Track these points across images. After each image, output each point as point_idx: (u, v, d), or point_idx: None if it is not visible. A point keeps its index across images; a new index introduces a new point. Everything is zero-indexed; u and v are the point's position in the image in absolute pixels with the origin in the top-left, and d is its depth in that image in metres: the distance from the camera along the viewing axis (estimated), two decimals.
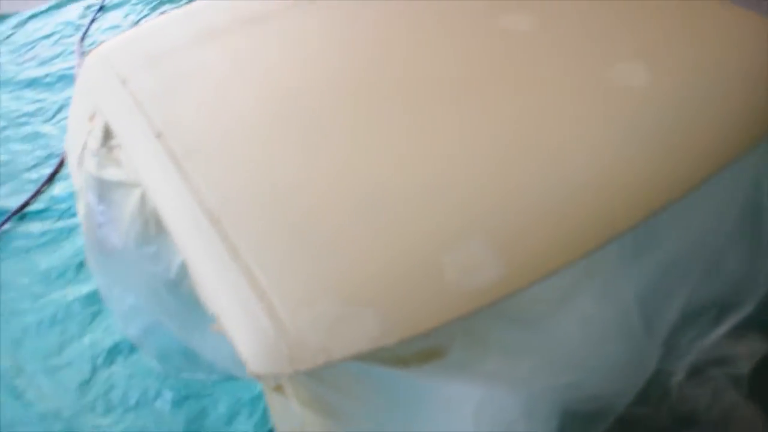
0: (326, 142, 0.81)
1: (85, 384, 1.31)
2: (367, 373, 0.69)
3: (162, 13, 2.30)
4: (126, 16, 2.40)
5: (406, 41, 0.94)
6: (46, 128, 1.97)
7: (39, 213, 1.71)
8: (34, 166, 1.85)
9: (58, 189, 1.77)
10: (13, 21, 2.46)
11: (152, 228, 0.92)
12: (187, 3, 1.16)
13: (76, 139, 1.07)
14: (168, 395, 1.28)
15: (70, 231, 1.64)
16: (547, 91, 0.83)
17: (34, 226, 1.67)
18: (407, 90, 0.85)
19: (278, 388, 0.71)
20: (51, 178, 1.80)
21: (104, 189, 0.99)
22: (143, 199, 0.91)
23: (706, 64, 0.85)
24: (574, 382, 0.83)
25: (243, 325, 0.67)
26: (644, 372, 0.93)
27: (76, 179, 1.09)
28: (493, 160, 0.76)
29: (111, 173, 0.97)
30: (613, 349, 0.86)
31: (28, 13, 2.49)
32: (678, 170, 0.75)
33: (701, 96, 0.81)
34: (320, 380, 0.68)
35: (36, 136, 1.95)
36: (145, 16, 2.38)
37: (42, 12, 2.48)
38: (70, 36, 2.34)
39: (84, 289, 1.48)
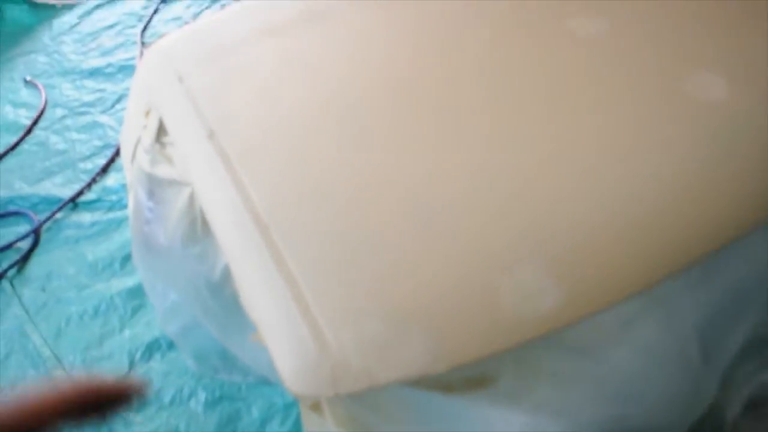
0: (386, 150, 0.76)
1: (122, 378, 1.29)
2: (409, 397, 0.65)
3: (223, 5, 2.30)
4: (188, 7, 2.41)
5: (471, 45, 0.88)
6: (104, 118, 1.98)
7: (91, 203, 1.71)
8: (90, 156, 1.85)
9: (111, 180, 1.77)
10: (78, 11, 2.48)
11: (199, 228, 0.90)
12: None
13: (131, 133, 1.05)
14: (202, 395, 1.26)
15: (120, 223, 1.64)
16: (619, 106, 0.76)
17: (85, 217, 1.68)
18: (472, 97, 0.79)
19: (315, 407, 0.66)
20: (105, 169, 1.80)
21: (154, 186, 0.98)
22: (192, 198, 0.89)
23: None
24: (625, 414, 0.77)
25: (284, 340, 0.63)
26: (700, 405, 0.86)
27: (128, 173, 1.08)
28: (559, 179, 0.70)
29: (162, 170, 0.94)
30: (669, 380, 0.80)
31: (94, 3, 2.51)
32: (762, 195, 0.68)
33: None
34: (360, 402, 0.64)
35: (94, 125, 1.96)
36: (206, 7, 2.38)
37: (107, 2, 2.50)
38: (133, 27, 2.35)
39: (128, 282, 1.48)
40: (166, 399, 1.27)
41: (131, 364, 1.33)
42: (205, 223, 0.87)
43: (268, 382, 1.18)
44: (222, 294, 0.93)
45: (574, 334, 0.66)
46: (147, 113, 1.00)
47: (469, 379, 0.64)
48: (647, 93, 0.76)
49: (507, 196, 0.69)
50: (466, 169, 0.72)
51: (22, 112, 2.05)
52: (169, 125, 0.92)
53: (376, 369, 0.59)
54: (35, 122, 2.00)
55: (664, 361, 0.78)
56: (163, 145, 0.95)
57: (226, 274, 0.87)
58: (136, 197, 1.04)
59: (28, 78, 2.19)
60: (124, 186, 1.67)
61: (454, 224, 0.67)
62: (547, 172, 0.71)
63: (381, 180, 0.72)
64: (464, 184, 0.70)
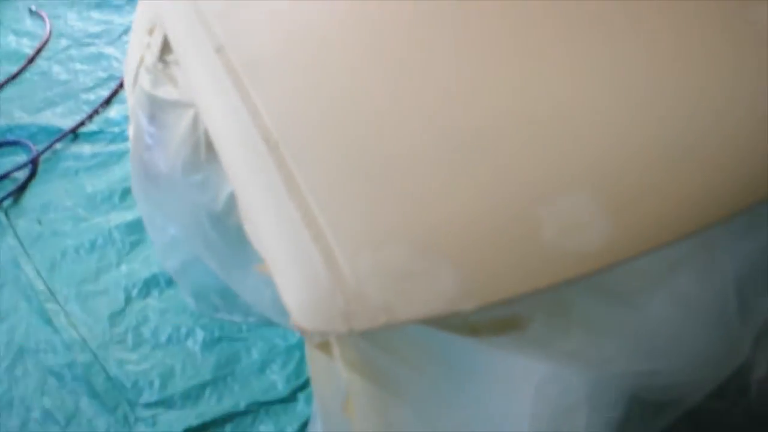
0: (410, 61, 0.67)
1: (117, 315, 1.27)
2: (429, 338, 0.58)
3: None
4: None
5: None
6: (110, 50, 1.91)
7: (92, 135, 1.65)
8: (93, 87, 1.79)
9: (114, 112, 1.72)
10: None
11: (202, 154, 0.84)
12: None
13: (134, 55, 0.99)
14: (200, 335, 1.22)
15: (121, 155, 1.59)
16: (678, 26, 0.66)
17: (85, 148, 1.62)
18: (511, 7, 0.70)
19: (323, 346, 0.59)
20: (108, 100, 1.74)
21: (156, 108, 0.92)
22: (196, 121, 0.83)
23: None
24: (655, 369, 0.72)
25: (292, 269, 0.55)
26: (731, 365, 0.81)
27: (130, 98, 1.02)
28: (615, 100, 0.61)
29: (165, 91, 0.89)
30: (705, 336, 0.74)
31: None
32: None
33: None
34: (374, 342, 0.57)
35: (99, 57, 1.89)
36: None
37: None
38: None
39: (127, 216, 1.43)
40: (162, 338, 1.23)
41: (127, 301, 1.29)
42: (208, 148, 0.81)
43: (269, 323, 1.13)
44: (224, 226, 0.88)
45: (612, 279, 0.59)
46: (151, 31, 0.93)
47: (497, 321, 0.57)
48: (708, 15, 0.67)
49: (553, 118, 0.60)
50: (506, 86, 0.64)
51: (25, 41, 1.99)
52: (174, 42, 0.85)
53: (397, 304, 0.51)
54: (38, 52, 1.94)
55: (701, 315, 0.71)
56: (166, 64, 0.89)
57: (230, 205, 0.83)
58: (136, 122, 0.98)
59: (33, 8, 2.12)
60: (127, 118, 1.61)
61: (492, 146, 0.59)
62: (602, 89, 0.63)
63: (407, 96, 0.64)
64: (504, 102, 0.62)
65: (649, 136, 0.59)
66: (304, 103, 0.66)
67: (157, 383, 1.16)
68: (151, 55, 0.91)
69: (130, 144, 1.05)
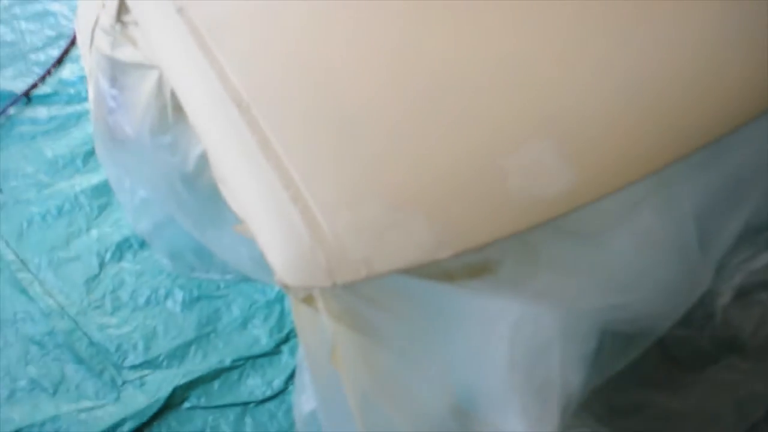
0: (378, 16, 0.70)
1: (92, 280, 1.29)
2: (409, 287, 0.62)
3: None
4: None
5: None
6: (56, 6, 1.85)
7: (46, 97, 1.63)
8: (42, 47, 1.75)
9: (67, 72, 1.68)
10: None
11: (169, 115, 0.85)
12: None
13: (88, 15, 0.98)
14: (179, 295, 1.25)
15: (80, 117, 1.57)
16: None
17: (41, 111, 1.60)
18: None
19: (308, 300, 0.63)
20: (60, 60, 1.71)
21: (117, 71, 0.92)
22: (160, 82, 0.84)
23: None
24: (623, 302, 0.78)
25: (274, 230, 0.59)
26: (695, 294, 0.87)
27: (87, 61, 1.02)
28: (574, 49, 0.65)
29: (125, 53, 0.89)
30: (667, 268, 0.80)
31: None
32: None
33: None
34: (356, 293, 0.61)
35: (45, 14, 1.83)
36: None
37: None
38: None
39: (93, 179, 1.43)
40: (141, 300, 1.25)
41: (101, 266, 1.31)
42: (176, 109, 0.83)
43: (247, 279, 1.18)
44: (197, 186, 0.90)
45: (576, 220, 0.64)
46: None
47: (470, 266, 0.62)
48: None
49: (514, 70, 0.65)
50: (470, 41, 0.67)
51: None
52: (131, 2, 0.85)
53: (376, 257, 0.56)
54: None
55: (662, 248, 0.77)
56: (124, 24, 0.89)
57: (201, 165, 0.85)
58: (96, 85, 0.99)
59: None
60: (82, 78, 1.59)
61: (458, 100, 0.63)
62: (560, 37, 0.67)
63: (375, 51, 0.68)
64: (469, 57, 0.66)
65: (605, 81, 0.63)
66: (272, 63, 0.69)
67: (140, 345, 1.19)
68: (108, 17, 0.91)
69: (91, 107, 1.06)
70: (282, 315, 1.20)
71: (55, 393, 1.15)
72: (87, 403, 1.15)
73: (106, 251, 1.32)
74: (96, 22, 0.94)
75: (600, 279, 0.73)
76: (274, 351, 1.18)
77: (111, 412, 1.13)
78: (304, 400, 0.90)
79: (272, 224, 0.60)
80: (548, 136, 0.61)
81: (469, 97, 0.63)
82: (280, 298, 1.22)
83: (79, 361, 1.18)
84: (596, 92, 0.63)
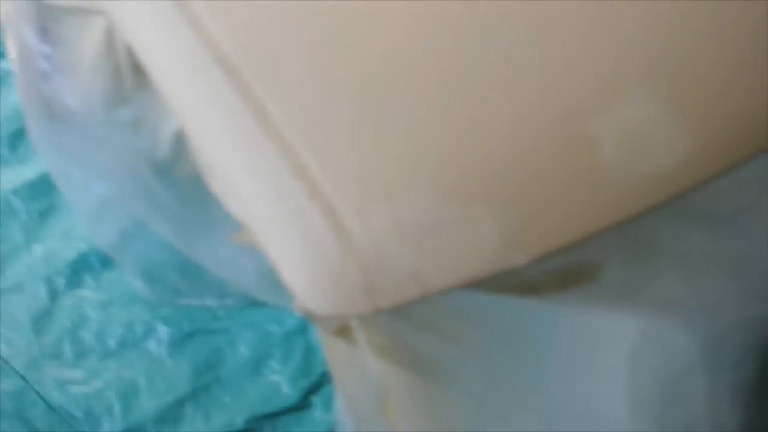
0: None
1: (43, 317, 1.33)
2: (477, 306, 0.68)
3: None
4: None
5: None
6: None
7: None
8: None
9: None
10: None
11: (128, 80, 0.91)
12: None
13: None
14: (164, 332, 1.31)
15: None
16: None
17: None
18: None
19: (343, 332, 0.69)
20: None
21: (47, 17, 0.97)
22: (111, 33, 0.89)
23: None
24: None
25: (287, 237, 0.64)
26: None
27: (2, 5, 1.07)
28: None
29: None
30: None
31: None
32: None
33: None
34: (408, 319, 0.67)
35: None
36: None
37: None
38: None
39: (26, 173, 1.49)
40: (112, 342, 1.32)
41: (52, 296, 1.36)
42: (136, 72, 0.87)
43: (255, 303, 1.22)
44: (175, 178, 0.95)
45: (706, 198, 0.68)
46: None
47: (560, 273, 0.66)
48: None
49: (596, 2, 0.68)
50: None
51: None
52: None
53: (428, 268, 0.60)
54: None
55: None
56: None
57: (179, 148, 0.90)
58: (20, 40, 1.04)
59: None
60: None
61: (524, 41, 0.67)
62: None
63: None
64: None
65: (725, 16, 0.67)
66: (270, 10, 0.72)
67: (117, 407, 1.25)
68: None
69: (14, 70, 1.10)
70: (308, 352, 1.26)
71: None
72: None
73: (58, 275, 1.37)
74: None
75: (751, 278, 0.76)
76: (302, 404, 1.23)
77: None
78: None
79: (285, 230, 0.64)
80: (650, 87, 0.64)
81: (539, 37, 0.67)
82: (303, 328, 1.27)
83: None
84: (713, 21, 0.67)
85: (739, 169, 0.65)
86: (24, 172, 1.50)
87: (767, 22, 0.67)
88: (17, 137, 1.52)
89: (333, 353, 0.74)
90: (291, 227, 0.64)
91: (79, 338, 1.33)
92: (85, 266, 1.40)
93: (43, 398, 1.27)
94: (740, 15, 0.67)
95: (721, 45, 0.66)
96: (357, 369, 0.72)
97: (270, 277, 0.66)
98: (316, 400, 1.24)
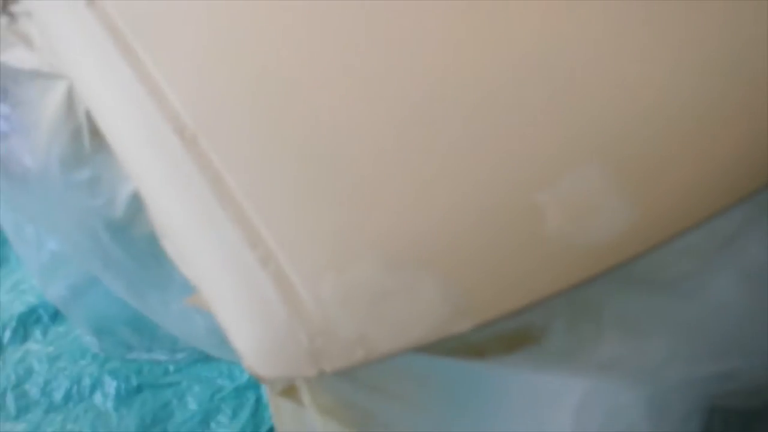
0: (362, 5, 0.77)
1: None
2: (423, 367, 0.69)
3: None
4: None
5: None
6: None
7: None
8: None
9: None
10: None
11: (86, 142, 0.92)
12: None
13: None
14: (111, 386, 1.30)
15: None
16: None
17: None
18: None
19: (289, 392, 0.71)
20: None
21: (7, 80, 0.99)
22: (71, 97, 0.90)
23: None
24: (728, 369, 0.83)
25: (238, 303, 0.66)
26: None
27: None
28: (623, 45, 0.72)
29: (17, 56, 0.95)
30: None
31: None
32: None
33: None
34: (353, 381, 0.68)
35: None
36: None
37: None
38: None
39: None
40: (58, 395, 1.30)
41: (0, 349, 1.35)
42: (95, 134, 0.88)
43: (206, 358, 1.24)
44: (129, 237, 0.97)
45: (650, 264, 0.69)
46: None
47: (504, 337, 0.67)
48: None
49: (547, 69, 0.71)
50: (488, 31, 0.74)
51: None
52: None
53: (375, 333, 0.62)
54: None
55: None
56: (13, 17, 0.96)
57: (134, 209, 0.91)
58: None
59: None
60: None
61: (474, 115, 0.69)
62: (603, 30, 0.73)
63: (360, 51, 0.74)
64: (486, 54, 0.72)
65: (671, 88, 0.70)
66: (224, 73, 0.76)
67: None
68: None
69: None
70: (258, 407, 1.25)
71: None
72: None
73: (4, 328, 1.38)
74: None
75: (692, 340, 0.77)
76: None
77: None
78: None
79: (235, 295, 0.66)
80: (596, 161, 0.66)
81: (489, 111, 0.69)
82: (254, 384, 1.27)
83: None
84: (662, 95, 0.69)
85: (681, 239, 0.66)
86: None
87: (710, 98, 0.70)
88: None
89: (278, 412, 0.74)
90: (241, 293, 0.66)
91: (24, 391, 1.33)
92: (34, 319, 1.41)
93: None
94: (681, 91, 0.70)
95: (665, 121, 0.69)
96: (302, 427, 0.73)
97: (220, 333, 0.67)
98: None
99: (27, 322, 1.40)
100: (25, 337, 1.39)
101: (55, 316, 1.38)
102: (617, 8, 0.74)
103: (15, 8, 0.96)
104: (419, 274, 0.64)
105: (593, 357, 0.74)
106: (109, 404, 1.30)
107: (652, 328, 0.75)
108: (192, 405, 1.28)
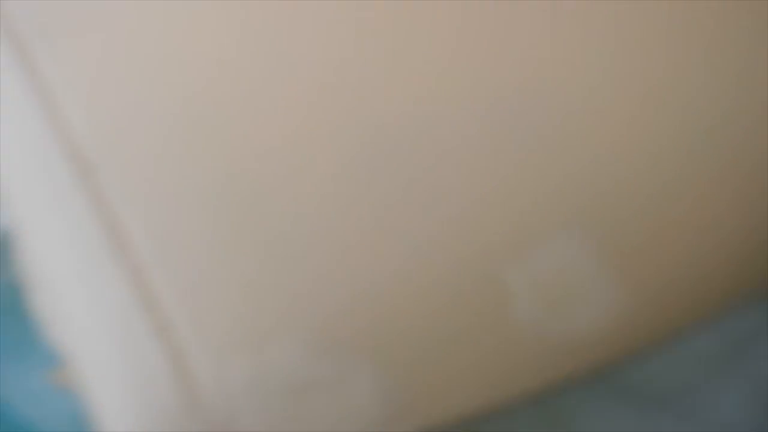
0: (303, 29, 0.67)
1: None
2: None
3: None
4: None
5: None
6: None
7: None
8: None
9: None
10: None
11: None
12: None
13: None
14: None
15: None
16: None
17: None
18: None
19: None
20: None
21: None
22: None
23: None
24: None
25: (118, 385, 0.58)
26: None
27: None
28: (604, 105, 0.63)
29: None
30: None
31: None
32: None
33: None
34: None
35: None
36: None
37: None
38: None
39: None
40: None
41: None
42: None
43: None
44: None
45: (639, 370, 0.67)
46: None
47: None
48: None
49: (515, 135, 0.63)
50: (441, 78, 0.65)
51: None
52: None
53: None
54: None
55: None
56: None
57: (2, 251, 0.82)
58: None
59: None
60: None
61: (423, 177, 0.62)
62: (583, 97, 0.64)
63: (297, 85, 0.66)
64: (435, 105, 0.64)
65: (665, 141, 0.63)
66: (142, 101, 0.66)
67: None
68: None
69: None
70: None
71: None
72: None
73: None
74: None
75: None
76: None
77: None
78: None
79: (115, 371, 0.58)
80: (573, 227, 0.60)
81: (442, 178, 0.62)
82: None
83: None
84: (651, 155, 0.62)
85: (681, 345, 0.64)
86: None
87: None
88: None
89: None
90: (125, 369, 0.58)
91: None
92: None
93: None
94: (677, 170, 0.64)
95: (652, 191, 0.62)
96: None
97: (86, 422, 0.62)
98: None
99: None
100: None
101: None
102: None
103: None
104: (353, 362, 0.58)
105: None
106: None
107: None
108: None
